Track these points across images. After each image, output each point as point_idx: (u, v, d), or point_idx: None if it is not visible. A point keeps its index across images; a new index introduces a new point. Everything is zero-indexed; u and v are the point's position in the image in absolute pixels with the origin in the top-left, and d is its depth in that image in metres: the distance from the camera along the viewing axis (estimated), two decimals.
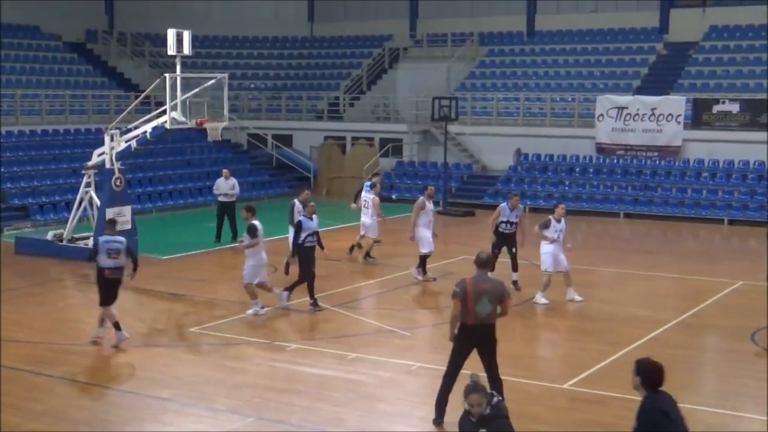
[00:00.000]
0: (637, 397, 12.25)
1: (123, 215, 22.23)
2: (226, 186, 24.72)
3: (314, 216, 17.26)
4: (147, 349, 14.76)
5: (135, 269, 14.96)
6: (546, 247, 17.66)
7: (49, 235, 22.84)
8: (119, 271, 14.69)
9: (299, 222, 17.21)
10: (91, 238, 22.15)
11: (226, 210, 24.59)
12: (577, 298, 17.90)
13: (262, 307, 16.74)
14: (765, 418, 11.72)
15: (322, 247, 17.37)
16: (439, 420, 11.11)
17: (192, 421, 11.49)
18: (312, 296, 17.01)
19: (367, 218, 21.77)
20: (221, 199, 24.73)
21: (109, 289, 14.65)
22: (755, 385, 13.05)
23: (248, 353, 14.36)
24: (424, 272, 19.60)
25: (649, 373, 7.47)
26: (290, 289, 17.15)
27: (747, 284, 19.82)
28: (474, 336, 10.92)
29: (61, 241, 22.61)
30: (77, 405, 12.06)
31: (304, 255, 16.98)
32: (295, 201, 19.08)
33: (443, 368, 13.67)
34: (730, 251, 26.07)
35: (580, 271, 20.11)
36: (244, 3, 44.56)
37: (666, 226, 29.16)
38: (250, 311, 16.66)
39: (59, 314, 16.74)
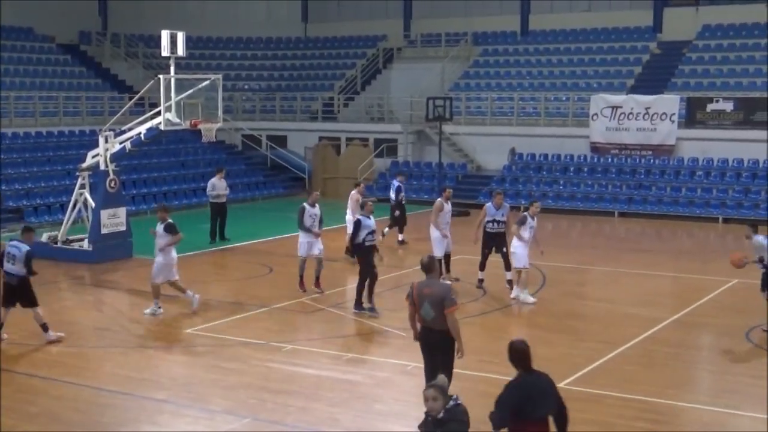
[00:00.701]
0: (633, 395, 12.33)
1: (118, 217, 22.26)
2: (220, 186, 24.70)
3: (371, 215, 17.20)
4: (142, 351, 14.74)
5: (29, 275, 14.80)
6: (519, 243, 17.58)
7: (44, 237, 22.78)
8: (13, 278, 14.68)
9: (358, 221, 16.93)
10: (86, 240, 22.16)
11: (220, 210, 24.59)
12: (530, 300, 17.72)
13: (159, 307, 16.81)
14: (759, 415, 11.75)
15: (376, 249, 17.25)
16: None
17: (188, 423, 11.48)
18: (370, 299, 16.80)
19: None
20: (215, 200, 24.66)
21: (5, 292, 14.72)
22: (750, 383, 13.08)
23: (243, 354, 14.35)
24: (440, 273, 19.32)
25: (515, 355, 8.49)
26: (359, 299, 16.75)
27: (741, 282, 19.83)
28: (426, 339, 10.99)
29: (56, 243, 22.57)
30: (72, 407, 12.04)
31: (365, 255, 16.78)
32: (305, 205, 18.34)
33: None
34: (725, 250, 26.01)
35: (575, 270, 20.17)
36: (238, 4, 44.52)
37: (660, 224, 29.20)
38: (147, 310, 16.76)
39: (54, 316, 16.67)
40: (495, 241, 18.59)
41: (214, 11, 43.99)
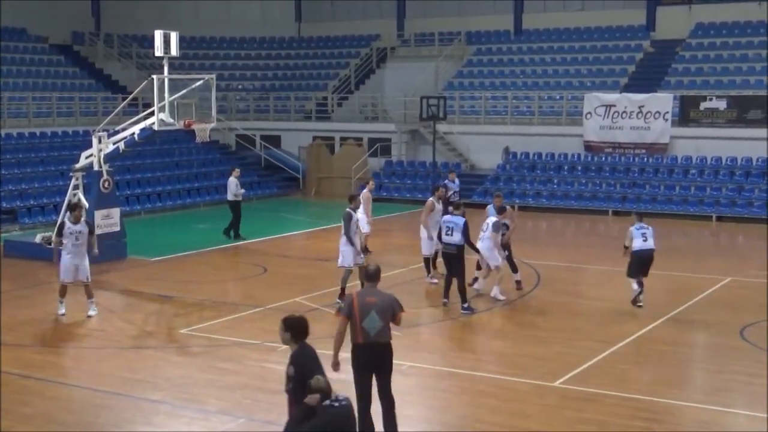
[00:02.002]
0: (628, 394, 12.34)
1: (111, 217, 22.23)
2: (238, 185, 24.88)
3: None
4: (137, 351, 14.72)
5: None
6: (487, 243, 17.60)
7: (38, 238, 22.75)
8: None
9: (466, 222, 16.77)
10: None
11: (236, 208, 24.76)
12: (501, 297, 17.82)
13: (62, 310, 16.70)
14: (754, 413, 11.78)
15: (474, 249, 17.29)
16: None
17: (183, 423, 11.47)
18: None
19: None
20: (235, 198, 24.85)
21: None
22: (745, 381, 13.11)
23: (239, 354, 14.34)
24: (428, 272, 19.37)
25: (296, 328, 8.53)
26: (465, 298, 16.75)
27: (735, 280, 19.90)
28: (367, 356, 10.06)
29: (50, 244, 22.49)
30: (67, 408, 12.02)
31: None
32: (350, 211, 16.96)
33: (434, 368, 13.76)
34: (719, 248, 26.17)
35: (570, 268, 20.18)
36: (231, 4, 44.51)
37: (654, 223, 28.99)
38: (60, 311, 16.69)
39: (48, 317, 16.68)
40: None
41: (207, 11, 43.97)
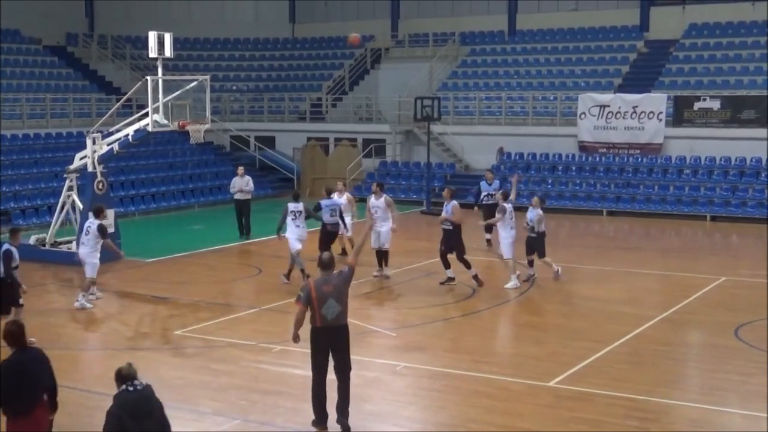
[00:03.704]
0: (623, 393, 12.35)
1: (106, 219, 22.15)
2: (241, 183, 25.04)
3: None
4: (131, 353, 14.69)
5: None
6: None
7: (32, 240, 22.70)
8: None
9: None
10: (74, 243, 22.05)
11: (243, 207, 24.90)
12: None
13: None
14: (748, 412, 11.80)
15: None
16: (321, 424, 11.11)
17: (178, 425, 11.40)
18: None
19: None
20: (237, 196, 25.28)
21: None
22: (739, 380, 13.13)
23: (233, 355, 14.33)
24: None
25: (8, 335, 8.68)
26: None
27: (730, 280, 19.94)
28: (325, 338, 10.84)
29: (44, 245, 22.50)
30: (61, 410, 11.86)
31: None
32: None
33: (428, 368, 13.76)
34: (713, 247, 26.21)
35: (564, 268, 20.17)
36: (225, 4, 44.49)
37: (649, 223, 29.29)
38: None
39: (42, 319, 16.63)
40: (491, 213, 20.74)
41: (201, 12, 43.94)
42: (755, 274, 20.41)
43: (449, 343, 15.31)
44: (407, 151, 36.79)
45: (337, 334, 10.89)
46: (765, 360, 13.74)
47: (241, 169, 25.79)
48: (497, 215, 19.24)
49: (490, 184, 23.61)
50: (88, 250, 17.48)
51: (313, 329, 10.85)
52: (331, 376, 11.02)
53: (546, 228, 19.62)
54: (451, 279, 18.96)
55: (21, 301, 14.80)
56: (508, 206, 19.13)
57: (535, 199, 19.45)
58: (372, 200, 19.88)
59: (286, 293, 18.36)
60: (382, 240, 19.57)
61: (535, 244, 19.28)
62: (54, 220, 22.74)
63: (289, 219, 19.26)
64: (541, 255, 19.35)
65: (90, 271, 17.52)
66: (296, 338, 11.10)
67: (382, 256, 19.75)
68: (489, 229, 22.68)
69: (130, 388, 7.99)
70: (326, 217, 19.85)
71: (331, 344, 10.90)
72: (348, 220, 21.35)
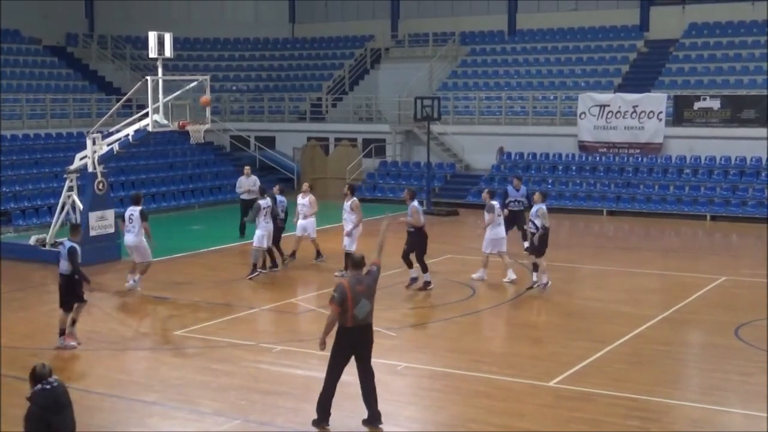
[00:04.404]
0: (623, 393, 12.35)
1: (106, 219, 22.20)
2: (248, 183, 25.01)
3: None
4: (131, 353, 14.71)
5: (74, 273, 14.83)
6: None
7: (32, 240, 22.71)
8: (62, 277, 14.83)
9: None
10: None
11: (249, 207, 24.81)
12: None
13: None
14: (748, 412, 11.80)
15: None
16: (323, 423, 11.17)
17: (178, 425, 11.46)
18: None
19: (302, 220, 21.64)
20: (244, 196, 25.16)
21: (60, 293, 14.89)
22: (739, 380, 13.13)
23: (233, 355, 14.33)
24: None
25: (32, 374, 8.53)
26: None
27: (730, 279, 19.94)
28: (354, 337, 10.92)
29: (44, 245, 22.48)
30: None
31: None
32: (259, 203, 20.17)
33: (429, 368, 13.76)
34: (713, 247, 26.21)
35: (564, 268, 20.20)
36: (225, 4, 44.48)
37: (649, 222, 29.29)
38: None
39: (42, 319, 16.66)
40: (516, 219, 21.65)
41: (201, 12, 43.93)
42: (755, 273, 20.41)
43: (449, 343, 15.30)
44: (407, 151, 36.79)
45: (365, 331, 11.02)
46: (765, 360, 13.75)
47: (247, 169, 25.65)
48: (488, 215, 19.25)
49: (517, 191, 23.01)
50: (135, 237, 18.49)
51: (342, 329, 10.90)
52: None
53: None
54: (414, 279, 18.88)
55: (84, 296, 14.96)
56: (496, 204, 19.49)
57: (537, 195, 19.10)
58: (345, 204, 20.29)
59: (286, 293, 18.37)
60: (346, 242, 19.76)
61: (539, 242, 18.45)
62: (54, 221, 22.72)
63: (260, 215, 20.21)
64: (540, 253, 18.55)
65: (143, 256, 18.51)
66: (324, 345, 11.10)
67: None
68: (525, 236, 21.85)
69: (47, 386, 8.35)
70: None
71: (358, 343, 10.99)
72: (307, 221, 21.41)
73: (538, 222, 18.38)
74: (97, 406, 12.16)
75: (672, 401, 12.28)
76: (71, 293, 14.74)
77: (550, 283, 18.43)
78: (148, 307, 17.81)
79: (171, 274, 20.73)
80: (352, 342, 10.95)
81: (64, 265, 14.75)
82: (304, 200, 21.55)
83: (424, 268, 18.75)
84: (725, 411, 12.07)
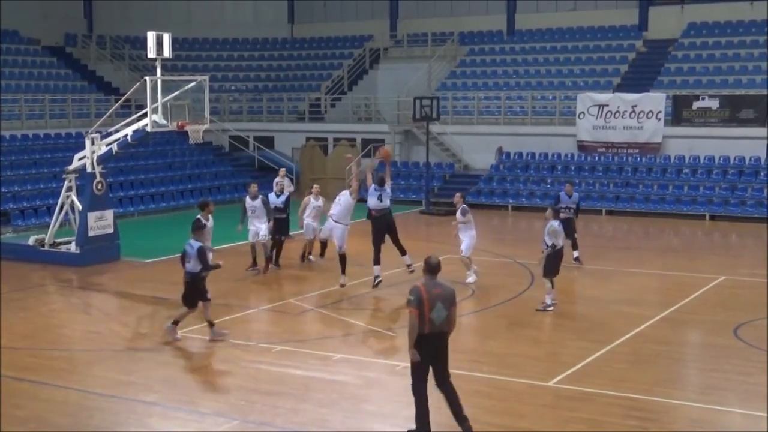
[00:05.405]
0: (622, 393, 12.35)
1: (105, 219, 22.18)
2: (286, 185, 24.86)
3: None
4: (131, 353, 14.70)
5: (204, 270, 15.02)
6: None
7: (31, 240, 22.70)
8: (188, 275, 14.97)
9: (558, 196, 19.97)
10: (72, 243, 22.06)
11: (283, 225, 24.72)
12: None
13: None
14: (747, 411, 11.80)
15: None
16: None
17: (177, 425, 11.45)
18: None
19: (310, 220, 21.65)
20: (276, 215, 24.74)
21: (186, 292, 15.15)
22: (738, 380, 13.13)
23: (233, 356, 14.32)
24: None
25: None
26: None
27: (729, 279, 19.95)
28: (431, 345, 10.42)
29: (43, 246, 22.48)
30: (61, 410, 11.99)
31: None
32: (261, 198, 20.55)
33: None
34: (712, 246, 26.22)
35: (563, 268, 20.09)
36: (224, 5, 44.48)
37: (648, 222, 29.29)
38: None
39: (41, 319, 16.66)
40: (566, 226, 19.33)
41: (200, 12, 43.93)
42: (754, 273, 20.42)
43: (449, 343, 15.27)
44: (406, 150, 36.79)
45: (442, 339, 10.52)
46: (764, 359, 13.76)
47: (282, 171, 24.88)
48: (460, 217, 19.09)
49: (569, 197, 21.93)
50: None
51: (419, 336, 10.36)
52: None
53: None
54: (377, 277, 18.81)
55: (208, 295, 15.12)
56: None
57: (549, 211, 17.71)
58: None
59: (285, 293, 18.36)
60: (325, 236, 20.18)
61: (547, 261, 17.10)
62: (53, 221, 22.71)
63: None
64: (548, 273, 17.15)
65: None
66: (415, 352, 10.40)
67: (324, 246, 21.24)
68: (575, 245, 21.27)
69: None
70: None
71: (435, 352, 10.48)
72: (309, 221, 21.49)
73: (548, 240, 17.09)
74: (96, 407, 12.16)
75: (671, 401, 12.28)
76: (197, 291, 14.98)
77: (552, 307, 17.11)
78: (147, 308, 17.79)
79: (170, 275, 20.66)
80: (427, 350, 10.42)
81: (193, 264, 14.86)
82: (318, 202, 21.55)
83: (403, 253, 19.03)
84: (724, 411, 12.07)
